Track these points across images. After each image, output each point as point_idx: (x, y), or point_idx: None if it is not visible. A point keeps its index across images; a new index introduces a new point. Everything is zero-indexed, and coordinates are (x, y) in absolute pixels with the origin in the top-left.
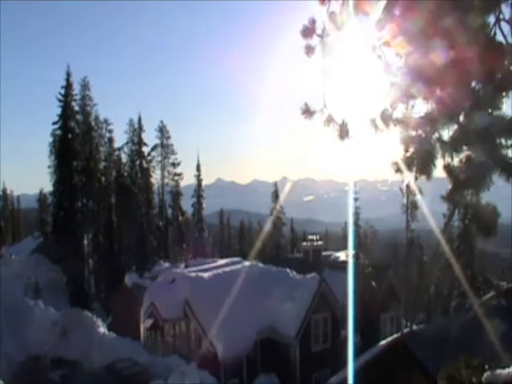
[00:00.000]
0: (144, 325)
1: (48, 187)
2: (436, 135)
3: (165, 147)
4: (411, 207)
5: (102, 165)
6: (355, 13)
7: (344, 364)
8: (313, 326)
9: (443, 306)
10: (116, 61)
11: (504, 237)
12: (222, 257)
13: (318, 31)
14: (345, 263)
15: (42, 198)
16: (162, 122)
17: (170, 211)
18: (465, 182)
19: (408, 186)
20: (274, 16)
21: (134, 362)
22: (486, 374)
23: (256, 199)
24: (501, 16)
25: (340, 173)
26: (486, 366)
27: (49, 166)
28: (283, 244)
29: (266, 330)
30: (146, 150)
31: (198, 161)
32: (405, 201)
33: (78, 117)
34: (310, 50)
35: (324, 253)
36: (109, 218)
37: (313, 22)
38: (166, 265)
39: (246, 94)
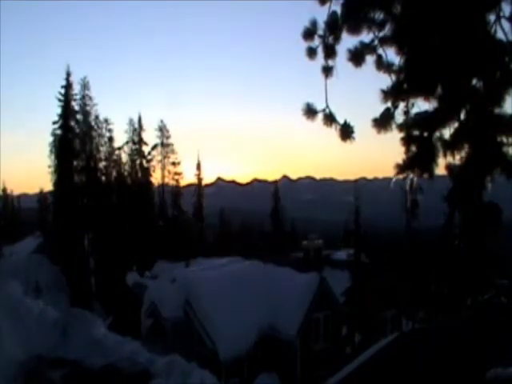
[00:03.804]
0: (144, 324)
1: (48, 187)
2: (437, 134)
3: (165, 146)
4: (412, 206)
5: (102, 164)
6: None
7: (345, 362)
8: (314, 325)
9: (444, 305)
10: (116, 60)
11: (505, 235)
12: (222, 256)
13: (319, 32)
14: (345, 262)
15: (42, 197)
16: (162, 121)
17: (170, 211)
18: (465, 180)
19: (410, 185)
20: (273, 16)
21: (134, 361)
22: (488, 372)
23: (256, 199)
24: (501, 13)
25: (341, 171)
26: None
27: (49, 166)
28: (283, 243)
29: (267, 328)
30: (146, 149)
31: (199, 160)
32: (406, 199)
33: (78, 116)
34: (311, 51)
35: (324, 251)
36: (109, 217)
37: (314, 23)
38: (167, 264)
39: (246, 93)
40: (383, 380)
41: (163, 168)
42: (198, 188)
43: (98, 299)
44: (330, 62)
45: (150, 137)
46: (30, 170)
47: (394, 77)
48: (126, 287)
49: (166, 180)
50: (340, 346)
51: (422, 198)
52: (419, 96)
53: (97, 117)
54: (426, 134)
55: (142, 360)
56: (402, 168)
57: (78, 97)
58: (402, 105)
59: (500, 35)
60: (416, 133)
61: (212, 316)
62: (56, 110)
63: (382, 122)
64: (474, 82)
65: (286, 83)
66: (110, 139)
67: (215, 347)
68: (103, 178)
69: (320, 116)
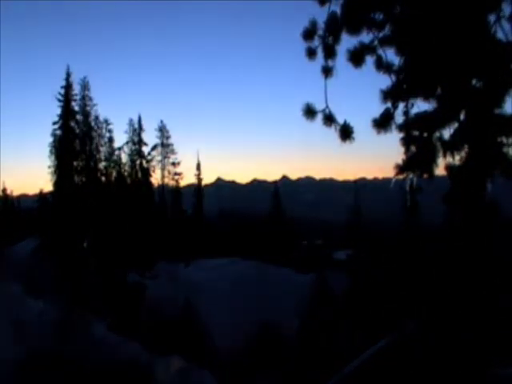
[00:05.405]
0: (144, 324)
1: (48, 187)
2: (437, 134)
3: (165, 147)
4: (412, 205)
5: (102, 165)
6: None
7: (345, 362)
8: (313, 325)
9: (444, 305)
10: (116, 60)
11: (505, 235)
12: (222, 256)
13: (319, 32)
14: (345, 262)
15: (42, 198)
16: (161, 121)
17: (170, 211)
18: (465, 180)
19: (410, 185)
20: (272, 16)
21: (134, 362)
22: (488, 372)
23: (256, 199)
24: (501, 14)
25: (341, 171)
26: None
27: (49, 166)
28: (283, 243)
29: (267, 328)
30: (146, 149)
31: (198, 160)
32: (406, 199)
33: (78, 117)
34: (311, 52)
35: (324, 251)
36: (109, 217)
37: (313, 23)
38: (167, 264)
39: (246, 93)
40: (383, 380)
41: (163, 168)
42: (197, 188)
43: (98, 299)
44: (330, 63)
45: (150, 137)
46: (30, 171)
47: (393, 77)
48: (126, 287)
49: (166, 180)
50: (340, 346)
51: (422, 198)
52: (419, 96)
53: (97, 117)
54: (425, 134)
55: (142, 360)
56: (402, 168)
57: (77, 97)
58: (401, 105)
59: (500, 35)
60: (416, 133)
61: (212, 316)
62: (56, 110)
63: (382, 122)
64: (474, 82)
65: (286, 83)
66: (110, 140)
67: (215, 347)
68: (103, 178)
69: (320, 116)
